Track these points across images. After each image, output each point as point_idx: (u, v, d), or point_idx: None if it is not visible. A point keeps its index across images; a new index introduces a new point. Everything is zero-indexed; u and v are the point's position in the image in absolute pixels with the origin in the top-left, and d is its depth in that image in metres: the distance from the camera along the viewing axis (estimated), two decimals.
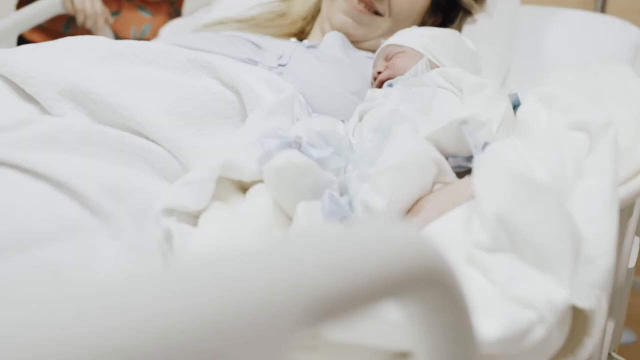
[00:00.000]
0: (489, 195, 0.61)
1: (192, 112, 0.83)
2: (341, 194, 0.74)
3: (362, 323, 0.52)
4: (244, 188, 0.76)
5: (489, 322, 0.55)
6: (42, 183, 0.66)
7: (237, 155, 0.74)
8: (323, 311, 0.25)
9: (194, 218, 0.72)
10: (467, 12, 1.31)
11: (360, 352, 0.56)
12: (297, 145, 0.74)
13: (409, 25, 1.20)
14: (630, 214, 0.85)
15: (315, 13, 1.34)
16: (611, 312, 0.91)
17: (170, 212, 0.70)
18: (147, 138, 0.78)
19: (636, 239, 0.98)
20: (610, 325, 0.95)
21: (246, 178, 0.74)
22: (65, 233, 0.63)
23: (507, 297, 0.57)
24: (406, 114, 0.82)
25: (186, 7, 1.93)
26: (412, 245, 0.33)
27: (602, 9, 1.67)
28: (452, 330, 0.37)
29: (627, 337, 1.74)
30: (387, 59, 1.03)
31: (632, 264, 0.95)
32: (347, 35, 1.22)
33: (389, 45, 1.05)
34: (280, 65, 1.07)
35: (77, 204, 0.65)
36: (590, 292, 0.61)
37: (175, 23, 1.74)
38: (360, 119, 0.89)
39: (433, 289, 0.35)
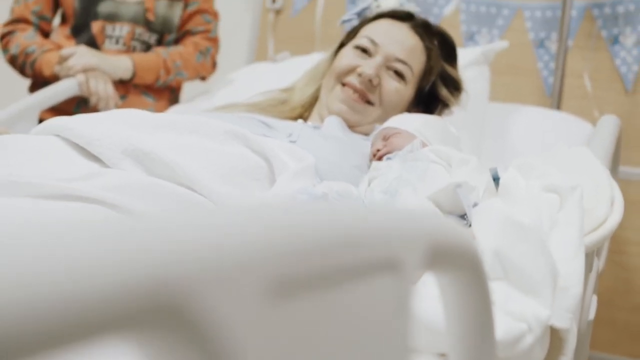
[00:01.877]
0: (486, 235, 0.78)
1: (230, 174, 0.99)
2: None
3: None
4: None
5: None
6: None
7: None
8: (431, 260, 0.41)
9: None
10: (445, 105, 1.51)
11: None
12: (324, 199, 0.90)
13: (396, 114, 1.39)
14: (590, 269, 1.02)
15: (312, 101, 1.53)
16: (575, 358, 1.07)
17: None
18: (197, 192, 0.94)
19: (594, 297, 1.16)
20: None
21: None
22: None
23: (504, 313, 0.74)
24: (408, 180, 1.00)
25: (184, 94, 2.12)
26: (453, 230, 0.49)
27: (558, 107, 1.90)
28: (476, 301, 0.52)
29: None
30: (385, 138, 1.21)
31: (591, 316, 1.12)
32: (344, 120, 1.40)
33: (386, 128, 1.24)
34: (291, 142, 1.24)
35: None
36: (565, 315, 0.78)
37: (176, 108, 1.92)
38: (369, 184, 1.06)
39: (464, 265, 0.50)
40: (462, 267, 0.49)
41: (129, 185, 0.90)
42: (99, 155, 0.97)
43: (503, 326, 0.71)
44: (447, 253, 0.44)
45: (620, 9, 1.94)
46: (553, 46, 2.03)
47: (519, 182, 0.93)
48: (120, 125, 1.04)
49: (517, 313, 0.73)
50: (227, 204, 0.93)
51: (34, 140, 1.02)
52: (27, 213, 0.79)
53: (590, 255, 0.96)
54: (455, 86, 1.52)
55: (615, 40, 1.95)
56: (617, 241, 1.95)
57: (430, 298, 0.64)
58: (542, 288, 0.76)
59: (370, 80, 1.39)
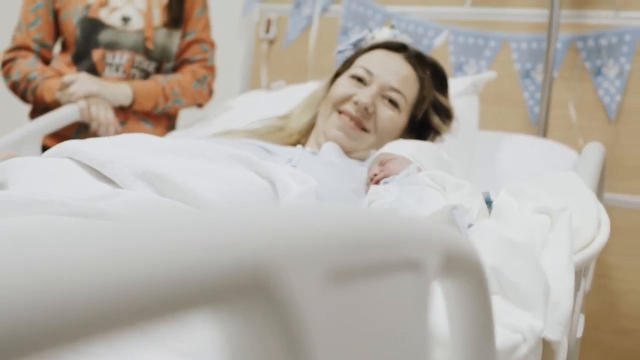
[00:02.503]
0: (483, 251, 0.83)
1: (235, 195, 1.04)
2: None
3: None
4: None
5: None
6: None
7: None
8: (445, 265, 0.46)
9: None
10: (437, 133, 1.57)
11: None
12: None
13: (391, 141, 1.45)
14: (577, 288, 1.08)
15: (309, 128, 1.58)
16: None
17: None
18: None
19: (581, 315, 1.21)
20: None
21: None
22: None
23: (500, 325, 0.78)
24: (407, 203, 1.05)
25: (180, 121, 2.17)
26: (464, 241, 0.54)
27: (544, 136, 1.97)
28: (480, 307, 0.57)
29: None
30: (382, 163, 1.27)
31: (579, 334, 1.17)
32: (341, 146, 1.46)
33: (382, 153, 1.30)
34: (291, 166, 1.29)
35: None
36: (557, 328, 0.83)
37: (174, 134, 1.97)
38: (369, 206, 1.11)
39: (470, 274, 0.55)
40: (469, 275, 0.54)
41: (144, 204, 0.94)
42: (112, 177, 1.02)
43: (500, 337, 0.76)
44: (457, 260, 0.49)
45: (603, 42, 2.02)
46: (539, 77, 2.10)
47: (511, 204, 0.99)
48: (131, 149, 1.08)
49: (512, 325, 0.78)
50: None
51: (47, 163, 1.07)
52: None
53: (578, 274, 1.01)
54: (446, 114, 1.58)
55: (598, 71, 2.03)
56: (601, 265, 2.01)
57: (436, 309, 0.69)
58: (535, 302, 0.81)
59: (366, 109, 1.45)
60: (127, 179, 1.01)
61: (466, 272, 0.52)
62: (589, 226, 0.97)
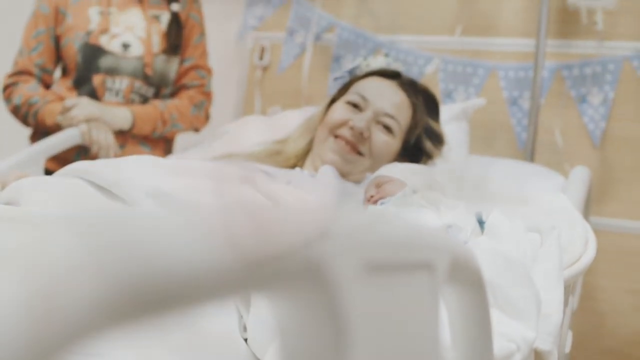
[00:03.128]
0: None
1: None
2: None
3: None
4: None
5: None
6: None
7: None
8: (451, 270, 0.51)
9: None
10: (429, 157, 1.63)
11: None
12: None
13: (385, 164, 1.51)
14: (566, 304, 1.13)
15: (305, 152, 1.64)
16: None
17: None
18: None
19: (569, 332, 1.26)
20: None
21: None
22: None
23: (496, 334, 0.83)
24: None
25: (177, 145, 2.22)
26: (468, 251, 0.59)
27: (531, 161, 2.03)
28: (480, 312, 0.62)
29: None
30: (378, 185, 1.32)
31: (567, 350, 1.22)
32: (337, 169, 1.51)
33: (379, 176, 1.35)
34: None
35: None
36: (548, 338, 0.88)
37: (172, 158, 2.02)
38: None
39: (473, 282, 0.60)
40: (471, 282, 0.59)
41: None
42: (123, 195, 1.06)
43: (496, 345, 0.81)
44: (461, 267, 0.54)
45: (588, 71, 2.09)
46: (526, 104, 2.17)
47: (504, 222, 1.04)
48: (140, 169, 1.13)
49: (507, 334, 0.83)
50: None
51: (57, 182, 1.11)
52: None
53: (566, 291, 1.06)
54: (438, 139, 1.64)
55: (583, 99, 2.10)
56: (587, 287, 2.06)
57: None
58: (528, 314, 0.86)
59: (361, 133, 1.51)
60: (138, 197, 1.05)
61: (468, 279, 0.57)
62: (577, 244, 1.03)
